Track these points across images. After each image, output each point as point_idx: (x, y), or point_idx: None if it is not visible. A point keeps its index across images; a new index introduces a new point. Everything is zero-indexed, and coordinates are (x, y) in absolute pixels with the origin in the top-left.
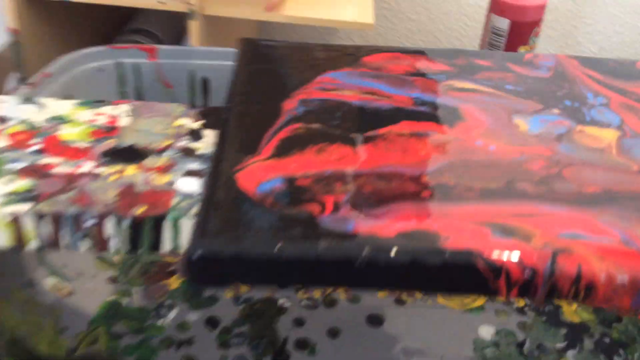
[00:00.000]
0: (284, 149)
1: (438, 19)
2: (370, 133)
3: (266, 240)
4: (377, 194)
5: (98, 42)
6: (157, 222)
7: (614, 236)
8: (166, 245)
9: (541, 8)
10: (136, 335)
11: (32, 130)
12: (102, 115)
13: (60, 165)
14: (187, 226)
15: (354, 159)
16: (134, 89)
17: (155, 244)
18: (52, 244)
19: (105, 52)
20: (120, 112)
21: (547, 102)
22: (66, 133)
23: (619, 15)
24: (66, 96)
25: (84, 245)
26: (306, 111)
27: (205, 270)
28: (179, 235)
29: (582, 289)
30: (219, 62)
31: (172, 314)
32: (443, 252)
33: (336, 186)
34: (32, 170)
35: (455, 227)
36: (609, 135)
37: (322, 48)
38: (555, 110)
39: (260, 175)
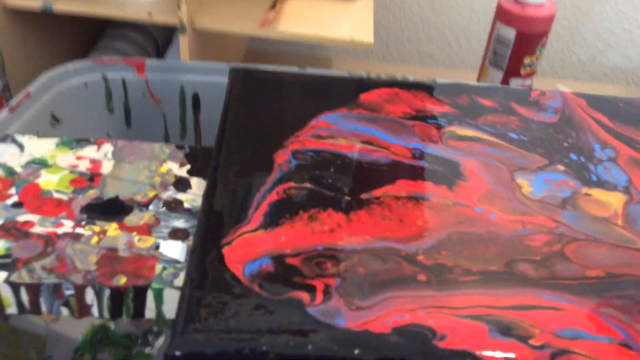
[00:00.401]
0: (274, 217)
1: (442, 11)
2: (366, 195)
3: (250, 338)
4: (371, 277)
5: (82, 50)
6: (140, 293)
7: (616, 335)
8: (149, 314)
9: (549, 19)
10: None
11: (10, 178)
12: (84, 159)
13: (38, 224)
14: (171, 297)
15: (347, 229)
16: (122, 104)
17: (138, 313)
18: (32, 310)
19: (90, 66)
20: (102, 156)
21: (552, 156)
22: (46, 181)
23: (627, 12)
24: (51, 116)
25: (65, 311)
26: (298, 166)
27: None
28: (163, 305)
29: None
30: (209, 77)
31: (159, 342)
32: (439, 353)
33: (327, 267)
34: (9, 229)
35: (451, 323)
36: (615, 201)
37: (317, 80)
38: (561, 167)
39: (248, 251)
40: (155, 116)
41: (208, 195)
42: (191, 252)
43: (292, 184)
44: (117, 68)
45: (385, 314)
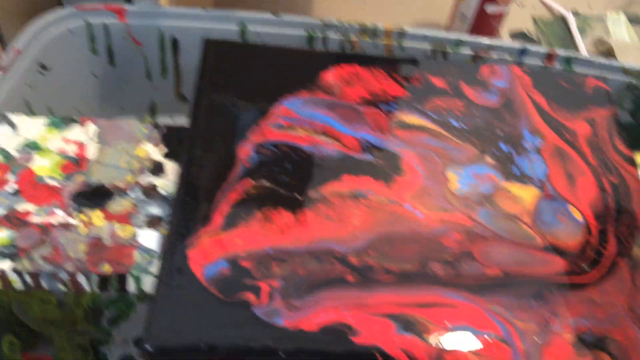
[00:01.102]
0: (232, 218)
1: None
2: (314, 194)
3: (206, 335)
4: (308, 279)
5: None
6: (121, 278)
7: (497, 331)
8: (131, 290)
9: None
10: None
11: (7, 164)
12: (71, 143)
13: (35, 214)
14: (147, 280)
15: (294, 230)
16: (105, 47)
17: (122, 290)
18: (36, 288)
19: (73, 13)
20: (88, 139)
21: (485, 146)
22: (39, 166)
23: None
24: (40, 65)
25: (63, 288)
26: (259, 162)
27: (157, 356)
28: (142, 285)
29: None
30: (188, 23)
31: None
32: (352, 347)
33: (273, 269)
34: (11, 219)
35: (366, 320)
36: (528, 196)
37: (284, 53)
38: (488, 159)
39: (208, 254)
40: (138, 57)
41: (177, 195)
42: (161, 255)
43: (251, 181)
44: (98, 14)
45: (315, 313)
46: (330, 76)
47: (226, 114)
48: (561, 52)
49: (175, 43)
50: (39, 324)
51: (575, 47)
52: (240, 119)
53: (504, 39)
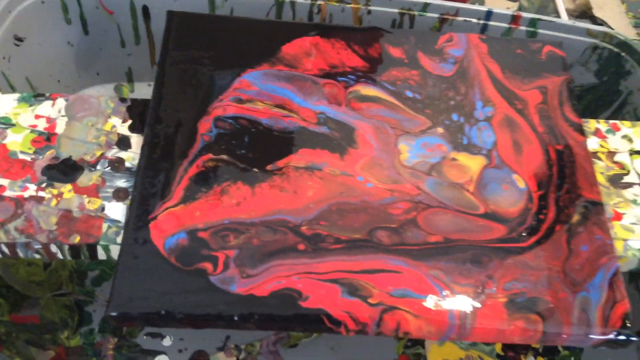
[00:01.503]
0: (192, 192)
1: None
2: (271, 167)
3: (165, 302)
4: (262, 248)
5: None
6: (91, 247)
7: (435, 293)
8: (101, 257)
9: None
10: None
11: None
12: (41, 118)
13: (9, 188)
14: (116, 250)
15: (251, 202)
16: (78, 16)
17: (93, 258)
18: (12, 257)
19: None
20: (57, 113)
21: (436, 116)
22: (12, 141)
23: None
24: (15, 38)
25: (38, 256)
26: (218, 135)
27: (121, 321)
28: (111, 254)
29: (400, 335)
30: None
31: None
32: (300, 310)
33: (230, 240)
34: None
35: (315, 286)
36: (474, 165)
37: (248, 24)
38: (439, 130)
39: (168, 226)
40: (111, 25)
41: (140, 170)
42: (125, 227)
43: (210, 155)
44: None
45: (267, 281)
46: (291, 48)
47: (188, 88)
48: (526, 14)
49: (146, 10)
50: (26, 286)
51: (554, 4)
52: (202, 92)
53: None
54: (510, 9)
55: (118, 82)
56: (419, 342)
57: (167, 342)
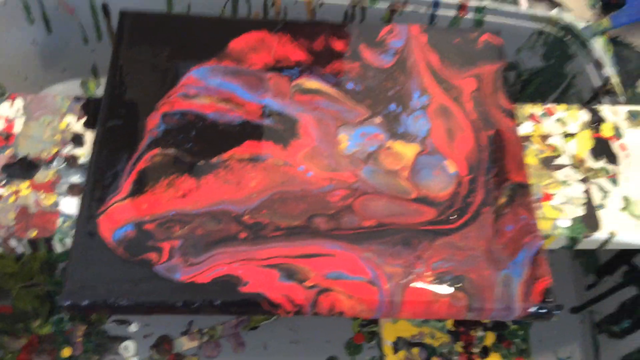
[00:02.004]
0: (140, 185)
1: None
2: (216, 159)
3: (114, 291)
4: (205, 238)
5: None
6: (48, 241)
7: (367, 275)
8: (58, 250)
9: None
10: None
11: None
12: (0, 118)
13: None
14: (70, 242)
15: (196, 194)
16: (40, 15)
17: (51, 251)
18: None
19: None
20: (16, 113)
21: (375, 107)
22: None
23: None
24: None
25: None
26: (165, 131)
27: (74, 309)
28: (67, 247)
29: (335, 314)
30: None
31: None
32: (240, 295)
33: (175, 230)
34: None
35: (254, 272)
36: (409, 153)
37: (198, 22)
38: (377, 120)
39: (117, 219)
40: (73, 23)
41: (91, 166)
42: (76, 221)
43: (158, 150)
44: None
45: (209, 268)
46: (238, 44)
47: (139, 85)
48: (472, 2)
49: (105, 8)
50: None
51: None
52: (151, 89)
53: None
54: None
55: (84, 78)
56: (374, 320)
57: (133, 328)
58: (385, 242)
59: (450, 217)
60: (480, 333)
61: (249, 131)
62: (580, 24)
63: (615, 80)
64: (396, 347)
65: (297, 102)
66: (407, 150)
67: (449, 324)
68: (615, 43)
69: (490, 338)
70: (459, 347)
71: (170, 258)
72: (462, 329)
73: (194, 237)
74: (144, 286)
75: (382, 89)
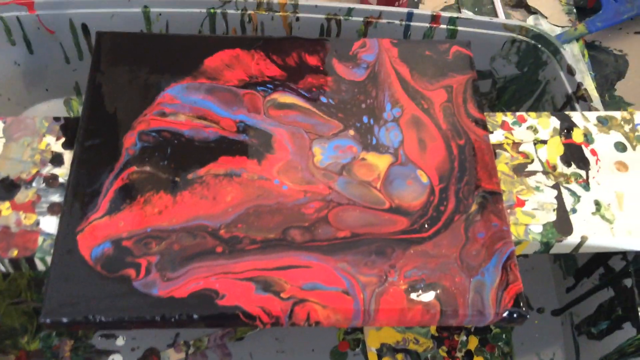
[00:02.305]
0: (117, 203)
1: None
2: (192, 175)
3: (93, 307)
4: (182, 253)
5: None
6: (29, 260)
7: (342, 285)
8: (41, 269)
9: None
10: None
11: None
12: None
13: None
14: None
15: (172, 210)
16: (21, 37)
17: (33, 269)
18: None
19: None
20: None
21: (348, 120)
22: None
23: None
24: None
25: None
26: (142, 149)
27: (54, 326)
28: (48, 265)
29: (312, 324)
30: (94, 8)
31: None
32: (217, 308)
33: (152, 246)
34: None
35: (231, 285)
36: (382, 164)
37: (172, 41)
38: (351, 132)
39: (95, 237)
40: (54, 43)
41: (69, 185)
42: (55, 240)
43: (134, 168)
44: (9, 8)
45: (186, 283)
46: (213, 61)
47: (115, 104)
48: (445, 13)
49: (85, 28)
50: None
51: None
52: (128, 108)
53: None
54: (447, 3)
55: (67, 97)
56: (359, 328)
57: (120, 341)
58: (359, 252)
59: (423, 226)
60: (463, 337)
61: (225, 147)
62: (555, 31)
63: (588, 85)
64: (380, 353)
65: (272, 116)
66: (380, 162)
67: (433, 330)
68: (592, 48)
69: (473, 342)
70: (442, 351)
71: (147, 274)
72: (446, 334)
73: (171, 253)
74: (123, 302)
75: (355, 102)
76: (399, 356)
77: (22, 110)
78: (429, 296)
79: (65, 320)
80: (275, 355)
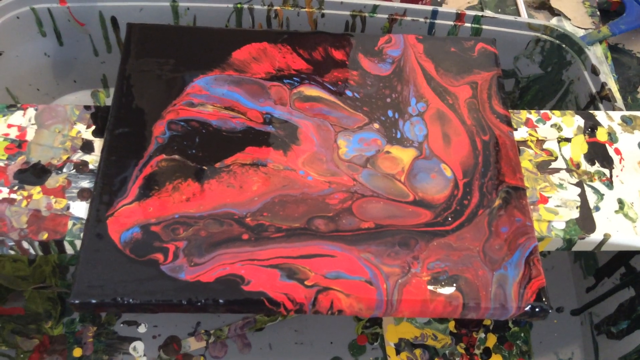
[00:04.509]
0: (146, 190)
1: None
2: (219, 164)
3: (122, 289)
4: (209, 239)
5: None
6: (59, 243)
7: (365, 274)
8: (70, 251)
9: None
10: None
11: None
12: (13, 127)
13: None
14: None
15: (200, 198)
16: (52, 29)
17: (61, 252)
18: None
19: (19, 1)
20: (27, 122)
21: (373, 113)
22: None
23: None
24: None
25: (12, 252)
26: (171, 137)
27: (83, 307)
28: (76, 249)
29: (335, 313)
30: (123, 2)
31: None
32: (243, 294)
33: (179, 232)
34: None
35: (256, 271)
36: (406, 157)
37: (202, 33)
38: (376, 126)
39: (124, 222)
40: (83, 36)
41: (100, 171)
42: (85, 224)
43: (163, 156)
44: (41, 0)
45: (212, 268)
46: (241, 54)
47: (145, 94)
48: (470, 11)
49: (114, 21)
50: (12, 281)
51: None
52: (157, 98)
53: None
54: (470, 3)
55: (94, 89)
56: (377, 322)
57: (142, 329)
58: (383, 242)
59: (447, 219)
60: (482, 335)
61: (251, 137)
62: (579, 32)
63: (612, 86)
64: (398, 348)
65: (298, 109)
66: (405, 155)
67: (451, 326)
68: (615, 50)
69: (491, 340)
70: (460, 348)
71: (175, 258)
72: (464, 330)
73: (198, 239)
74: (150, 285)
75: (380, 96)
76: (417, 351)
77: (50, 101)
78: (451, 288)
79: (94, 301)
80: (294, 347)
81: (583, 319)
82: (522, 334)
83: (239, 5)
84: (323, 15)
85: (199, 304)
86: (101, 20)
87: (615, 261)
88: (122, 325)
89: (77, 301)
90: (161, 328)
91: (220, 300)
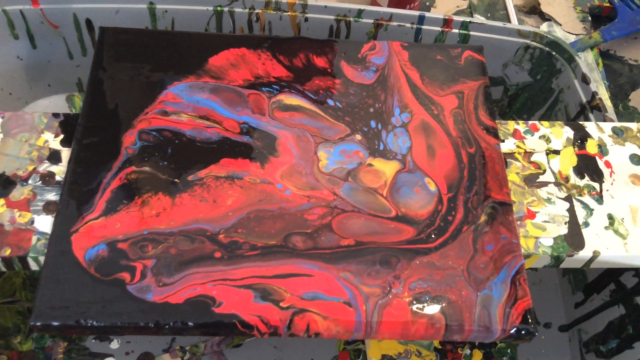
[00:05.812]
0: (114, 204)
1: None
2: (192, 177)
3: (85, 311)
4: (179, 257)
5: None
6: (22, 259)
7: (344, 295)
8: (34, 269)
9: None
10: None
11: None
12: None
13: None
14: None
15: (170, 213)
16: (25, 31)
17: (26, 269)
18: None
19: None
20: None
21: (356, 124)
22: None
23: None
24: None
25: None
26: (142, 147)
27: (45, 329)
28: (41, 265)
29: (312, 335)
30: (98, 4)
31: None
32: (213, 316)
33: (148, 249)
34: None
35: (229, 292)
36: (389, 170)
37: (177, 37)
38: (357, 137)
39: (90, 238)
40: (57, 38)
41: (66, 184)
42: (49, 240)
43: (133, 168)
44: (13, 0)
45: (182, 289)
46: (218, 60)
47: (116, 102)
48: (457, 17)
49: (89, 23)
50: None
51: (503, 1)
52: (129, 106)
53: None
54: (459, 7)
55: (69, 93)
56: (360, 339)
57: (114, 344)
58: (363, 261)
59: (430, 236)
60: (467, 351)
61: (227, 148)
62: (570, 38)
63: (602, 95)
64: None
65: (277, 118)
66: (387, 168)
67: (436, 342)
68: (607, 56)
69: (477, 356)
70: None
71: (142, 278)
72: (449, 347)
73: (168, 257)
74: (115, 307)
75: (363, 106)
76: None
77: (23, 105)
78: (433, 309)
79: (55, 323)
80: None
81: (571, 335)
82: (509, 350)
83: (219, 8)
84: (307, 19)
85: (167, 327)
86: (75, 22)
87: (605, 277)
88: (93, 340)
89: (38, 323)
90: (134, 344)
91: (190, 323)
